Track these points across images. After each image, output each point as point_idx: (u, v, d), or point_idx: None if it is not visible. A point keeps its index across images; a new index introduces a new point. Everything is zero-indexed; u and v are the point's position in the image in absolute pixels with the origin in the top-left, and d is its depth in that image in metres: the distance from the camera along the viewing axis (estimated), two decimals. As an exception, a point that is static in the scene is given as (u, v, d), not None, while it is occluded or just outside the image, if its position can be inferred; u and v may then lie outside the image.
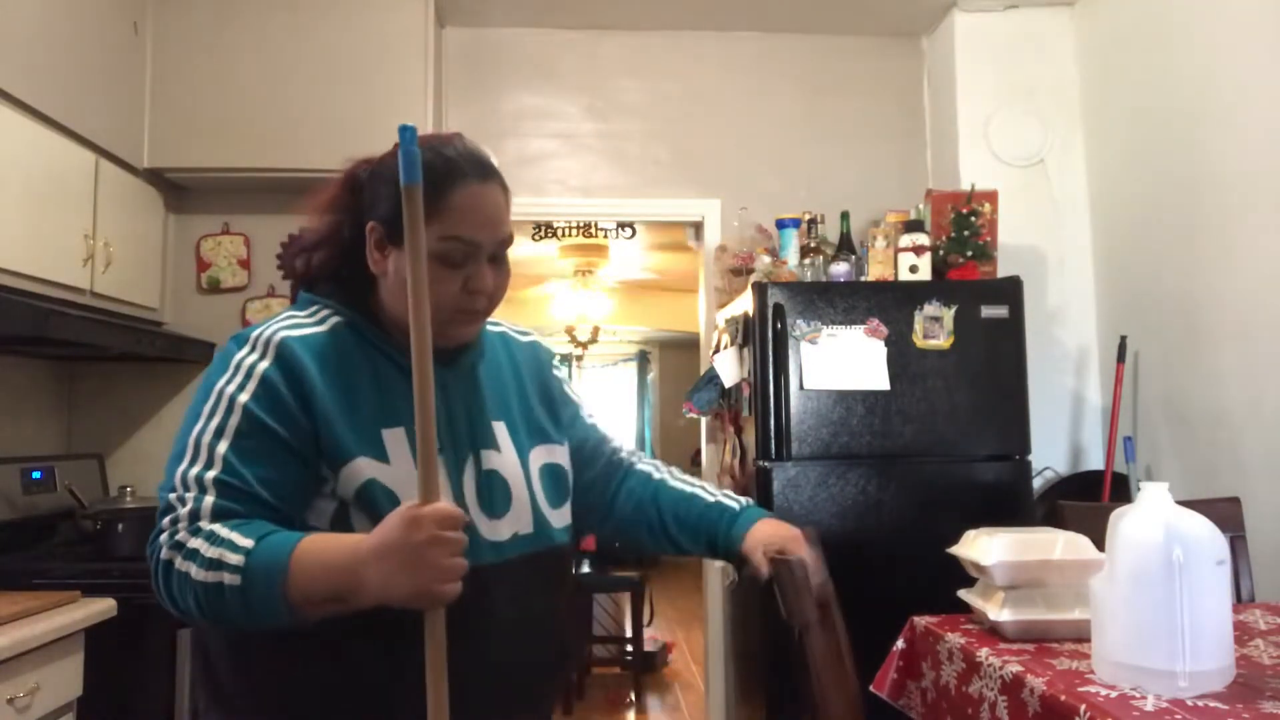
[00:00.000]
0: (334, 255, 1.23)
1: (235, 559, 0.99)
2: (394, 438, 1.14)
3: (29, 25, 2.44)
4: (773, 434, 2.80)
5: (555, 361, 1.44)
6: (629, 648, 4.75)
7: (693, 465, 9.96)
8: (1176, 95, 2.90)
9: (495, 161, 1.22)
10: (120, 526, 2.54)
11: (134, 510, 2.77)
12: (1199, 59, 2.79)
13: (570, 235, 5.52)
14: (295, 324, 1.17)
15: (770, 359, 2.82)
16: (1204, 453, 2.80)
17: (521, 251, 6.13)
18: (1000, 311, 2.88)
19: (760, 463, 2.81)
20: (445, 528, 0.97)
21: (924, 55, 3.77)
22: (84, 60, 2.73)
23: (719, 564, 3.29)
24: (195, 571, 1.01)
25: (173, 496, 1.07)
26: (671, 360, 10.34)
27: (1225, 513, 2.13)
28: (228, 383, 1.11)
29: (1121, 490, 3.05)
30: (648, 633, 4.97)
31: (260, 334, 1.15)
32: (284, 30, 3.18)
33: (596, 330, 7.52)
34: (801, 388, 2.81)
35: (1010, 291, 2.90)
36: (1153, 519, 1.36)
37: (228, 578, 0.99)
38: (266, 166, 3.15)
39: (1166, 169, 2.95)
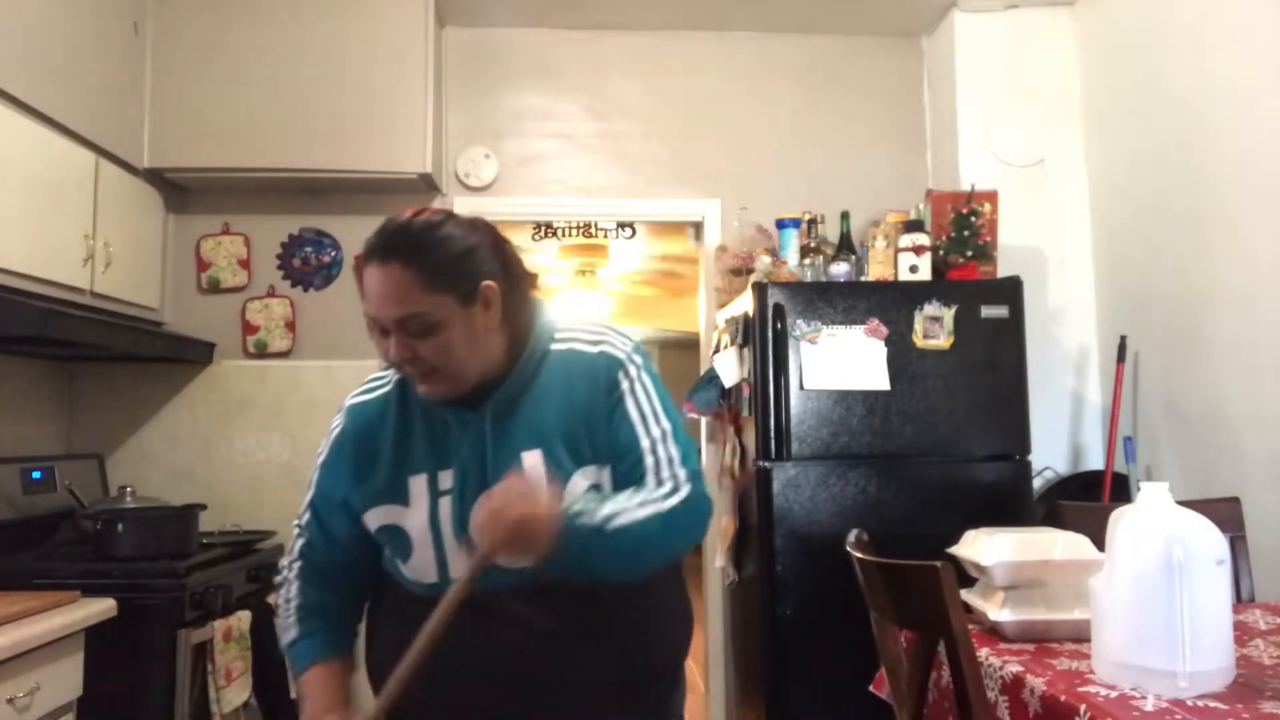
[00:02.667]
0: None
1: (285, 639, 1.41)
2: (417, 483, 1.35)
3: (29, 25, 2.44)
4: (773, 434, 2.80)
5: (622, 373, 1.37)
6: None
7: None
8: (1176, 95, 2.90)
9: (425, 235, 1.26)
10: (120, 526, 2.54)
11: (134, 510, 2.77)
12: (1199, 59, 2.79)
13: (570, 235, 5.51)
14: (365, 389, 1.44)
15: (770, 359, 2.82)
16: (1204, 453, 2.79)
17: (521, 252, 6.12)
18: (1000, 311, 2.88)
19: (760, 463, 2.81)
20: None
21: (924, 55, 3.76)
22: (84, 60, 2.73)
23: (719, 564, 3.29)
24: (278, 616, 1.45)
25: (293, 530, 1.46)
26: (671, 360, 10.34)
27: (1225, 513, 2.13)
28: (318, 453, 1.44)
29: (1121, 490, 3.05)
30: (648, 633, 4.95)
31: (344, 402, 1.45)
32: (284, 30, 3.18)
33: (596, 330, 7.50)
34: (801, 388, 2.81)
35: (1010, 291, 2.90)
36: (1153, 519, 1.36)
37: (282, 642, 1.42)
38: (266, 166, 3.16)
39: (1166, 169, 2.95)
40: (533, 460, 1.31)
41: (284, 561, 1.44)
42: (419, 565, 1.34)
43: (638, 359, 1.39)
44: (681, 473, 1.32)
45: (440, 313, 1.25)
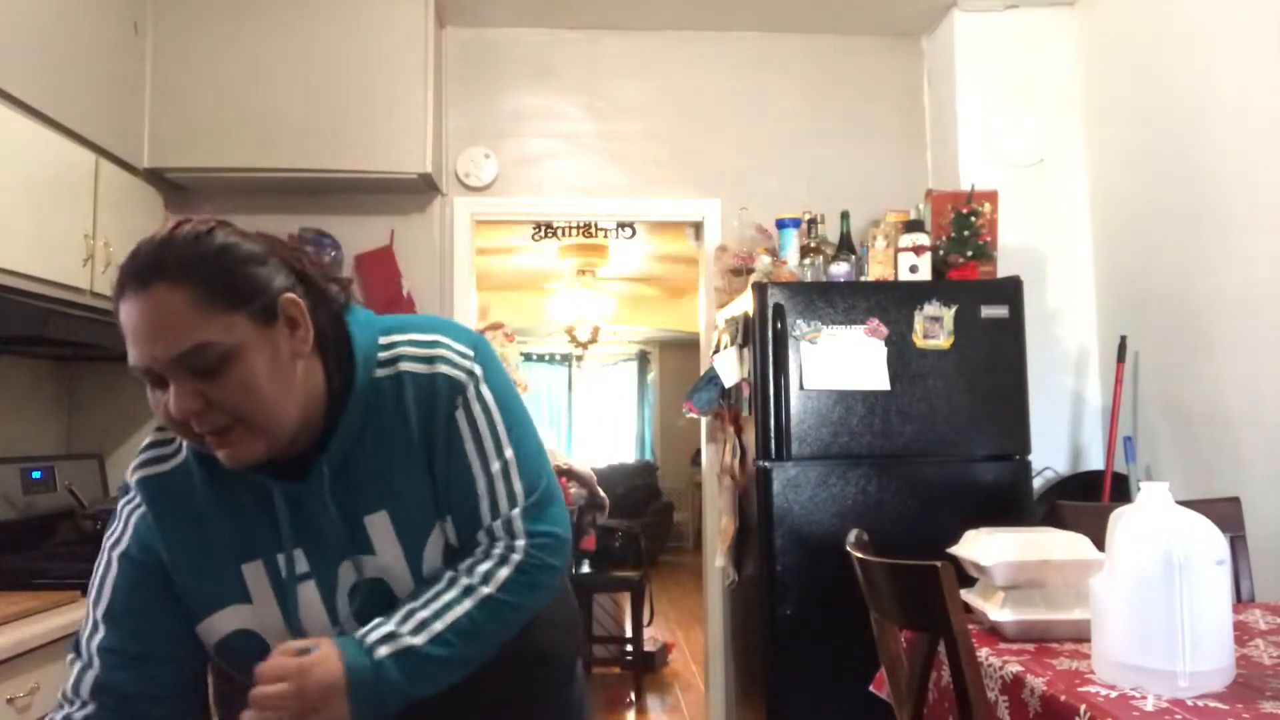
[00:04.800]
0: None
1: None
2: (253, 572, 1.09)
3: (29, 25, 2.44)
4: (773, 434, 2.80)
5: (461, 397, 1.11)
6: (629, 648, 4.75)
7: (693, 465, 9.92)
8: (1176, 95, 2.90)
9: (184, 250, 0.98)
10: (120, 526, 2.54)
11: (134, 510, 2.77)
12: (1199, 59, 2.79)
13: (570, 235, 5.52)
14: (151, 458, 1.12)
15: (770, 359, 2.82)
16: (1204, 453, 2.80)
17: (522, 251, 6.13)
18: (1000, 311, 2.88)
19: (760, 463, 2.81)
20: None
21: (924, 55, 3.76)
22: (84, 60, 2.73)
23: (719, 564, 3.29)
24: None
25: (69, 658, 1.08)
26: (671, 360, 10.34)
27: (1225, 513, 2.13)
28: (109, 533, 1.12)
29: (1121, 490, 3.05)
30: (648, 633, 4.96)
31: (127, 476, 1.12)
32: (284, 30, 3.18)
33: (596, 330, 7.52)
34: (801, 388, 2.81)
35: (1010, 291, 2.90)
36: (1153, 519, 1.36)
37: None
38: (266, 166, 3.16)
39: (1166, 169, 2.95)
40: (380, 525, 1.08)
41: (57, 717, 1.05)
42: None
43: (478, 369, 1.13)
44: (518, 522, 1.11)
45: (231, 337, 0.97)
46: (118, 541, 1.10)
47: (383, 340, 1.11)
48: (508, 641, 1.12)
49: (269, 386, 0.99)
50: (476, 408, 1.12)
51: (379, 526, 1.08)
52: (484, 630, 1.06)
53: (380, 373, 1.10)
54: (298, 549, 1.08)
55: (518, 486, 1.12)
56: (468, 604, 1.06)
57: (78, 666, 1.06)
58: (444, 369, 1.10)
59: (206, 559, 1.08)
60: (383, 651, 1.01)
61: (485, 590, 1.07)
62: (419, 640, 1.02)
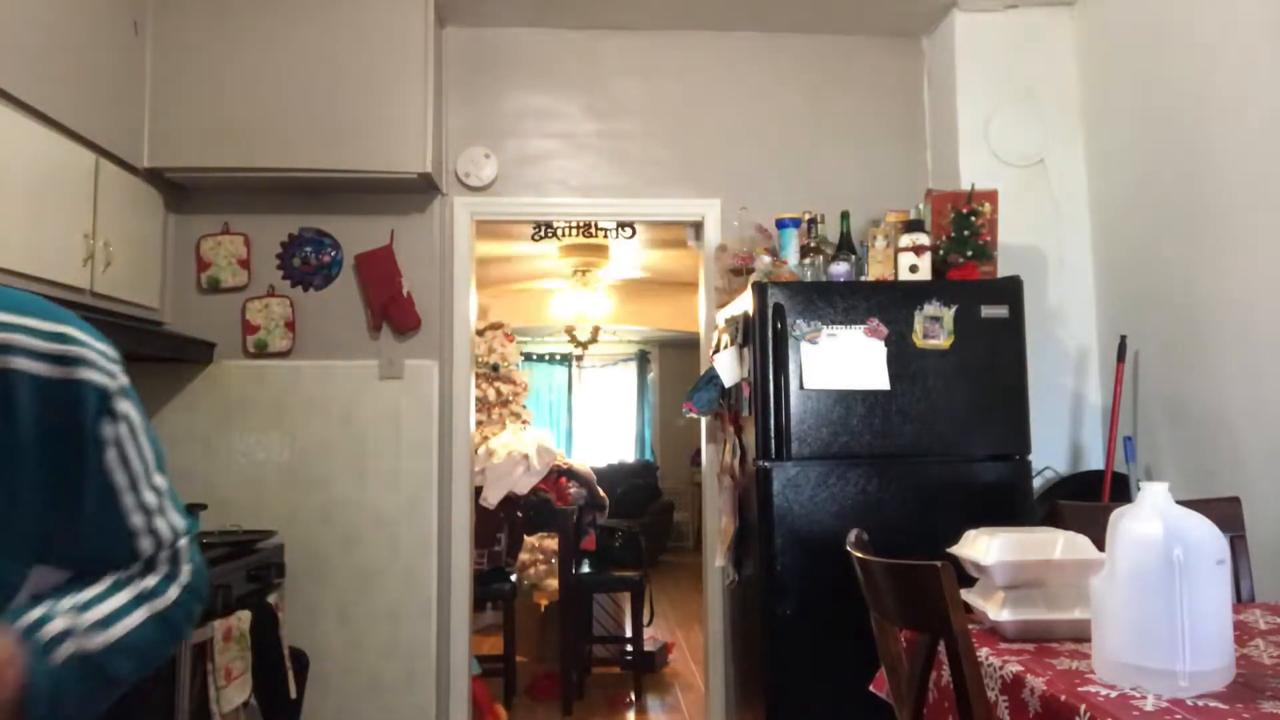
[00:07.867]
0: None
1: None
2: None
3: (29, 25, 2.44)
4: (773, 434, 2.80)
5: (109, 417, 0.85)
6: (629, 648, 4.75)
7: (693, 465, 9.89)
8: (1176, 95, 2.90)
9: None
10: (120, 526, 2.53)
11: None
12: (1199, 59, 2.79)
13: (570, 235, 5.52)
14: None
15: (770, 359, 2.82)
16: (1204, 453, 2.80)
17: (521, 252, 6.13)
18: (1000, 311, 2.88)
19: (760, 463, 2.81)
20: None
21: (924, 55, 3.76)
22: (84, 60, 2.73)
23: (719, 563, 3.29)
24: None
25: None
26: (671, 360, 10.35)
27: (1225, 513, 2.13)
28: None
29: (1121, 490, 3.05)
30: (648, 633, 4.96)
31: None
32: (284, 30, 3.18)
33: (596, 330, 7.52)
34: (801, 388, 2.81)
35: (1010, 291, 2.90)
36: (1153, 519, 1.36)
37: None
38: (266, 166, 3.16)
39: (1166, 169, 2.95)
40: None
41: None
42: None
43: (124, 380, 0.87)
44: (183, 547, 0.93)
45: None
46: None
47: None
48: None
49: None
50: (124, 427, 0.87)
51: None
52: (150, 651, 0.87)
53: None
54: None
55: (176, 520, 0.93)
56: (141, 615, 0.85)
57: None
58: (86, 374, 0.83)
59: None
60: (57, 651, 0.77)
61: (158, 604, 0.88)
62: (93, 644, 0.80)
